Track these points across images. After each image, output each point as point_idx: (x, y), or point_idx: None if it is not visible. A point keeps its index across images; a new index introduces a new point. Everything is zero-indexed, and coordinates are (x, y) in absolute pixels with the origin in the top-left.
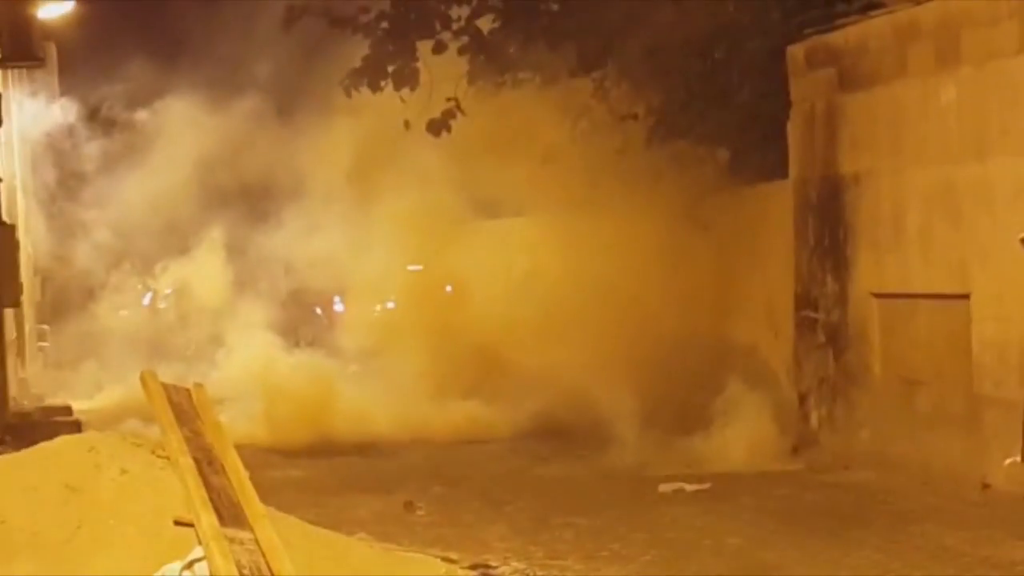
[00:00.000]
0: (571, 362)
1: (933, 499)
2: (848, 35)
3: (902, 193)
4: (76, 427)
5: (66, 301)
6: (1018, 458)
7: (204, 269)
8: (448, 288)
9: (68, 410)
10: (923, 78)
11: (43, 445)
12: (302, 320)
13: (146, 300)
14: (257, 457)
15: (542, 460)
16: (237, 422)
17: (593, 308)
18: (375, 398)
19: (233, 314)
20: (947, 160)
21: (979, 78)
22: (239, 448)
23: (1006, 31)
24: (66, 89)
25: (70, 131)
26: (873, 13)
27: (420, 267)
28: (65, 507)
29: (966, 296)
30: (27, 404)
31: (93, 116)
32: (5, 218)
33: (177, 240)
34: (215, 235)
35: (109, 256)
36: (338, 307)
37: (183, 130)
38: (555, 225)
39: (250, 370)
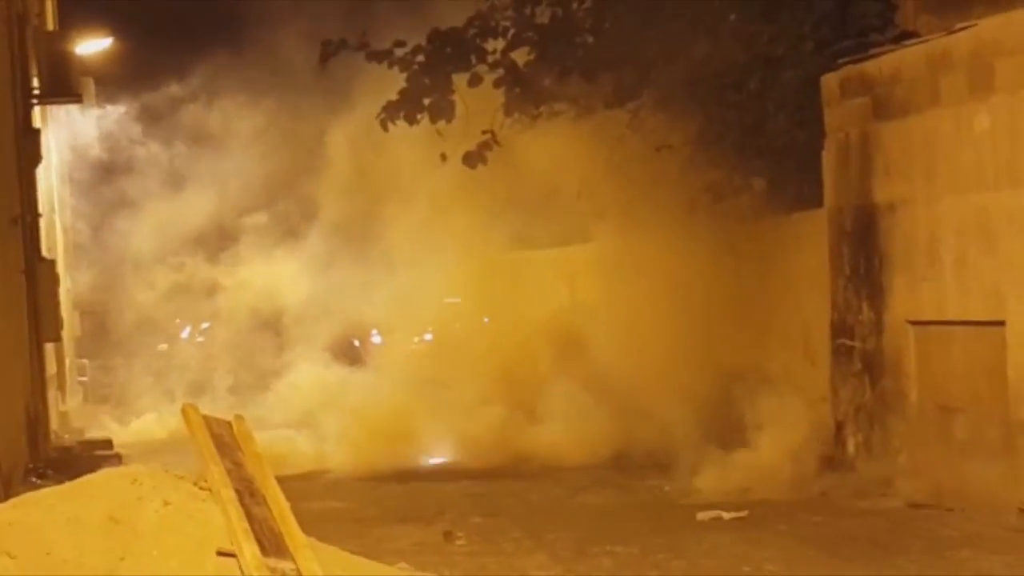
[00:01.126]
0: (609, 393)
1: (971, 525)
2: (882, 64)
3: (937, 221)
4: (117, 460)
5: (106, 335)
6: None
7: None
8: (485, 320)
9: (109, 443)
10: (957, 107)
11: (86, 478)
12: (340, 351)
13: (184, 334)
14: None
15: (581, 489)
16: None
17: (631, 337)
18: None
19: (271, 346)
20: (981, 188)
21: (1013, 106)
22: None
23: None
24: (104, 122)
25: (109, 165)
26: (907, 43)
27: (457, 299)
28: (109, 538)
29: (1001, 323)
30: (68, 438)
31: (132, 148)
32: (45, 253)
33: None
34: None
35: (147, 290)
36: (376, 339)
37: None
38: (592, 255)
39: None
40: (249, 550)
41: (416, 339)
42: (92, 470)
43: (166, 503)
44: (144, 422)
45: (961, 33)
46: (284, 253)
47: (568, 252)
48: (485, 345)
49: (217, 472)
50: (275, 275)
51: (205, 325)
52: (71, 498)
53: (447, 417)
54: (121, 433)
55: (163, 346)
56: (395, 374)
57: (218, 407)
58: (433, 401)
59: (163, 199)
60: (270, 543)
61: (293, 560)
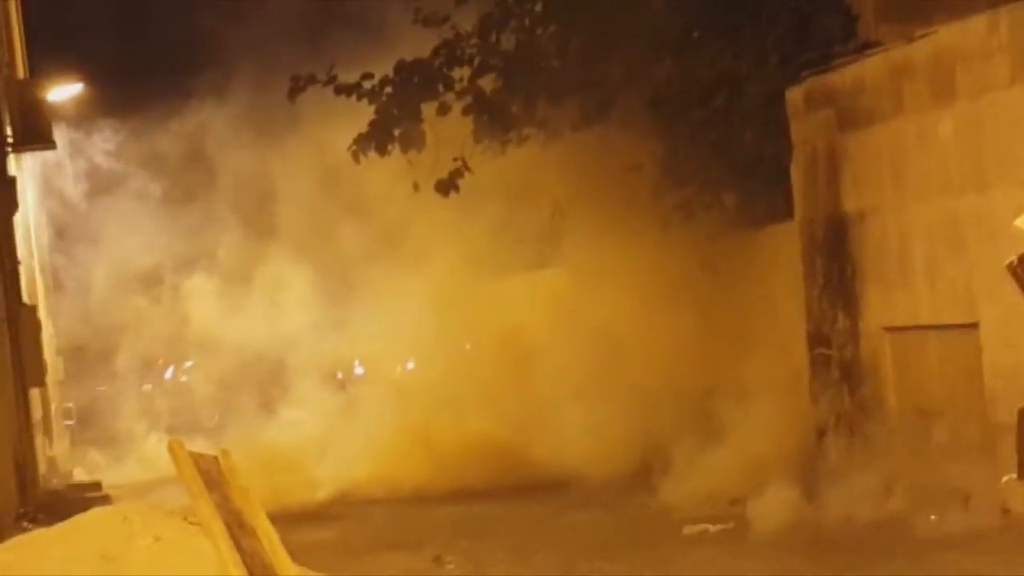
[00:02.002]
0: (589, 412)
1: (954, 527)
2: (845, 75)
3: (906, 228)
4: (107, 502)
5: (90, 378)
6: (1015, 475)
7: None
8: (467, 346)
9: (98, 486)
10: (920, 114)
11: (77, 517)
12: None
13: (168, 374)
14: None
15: (567, 508)
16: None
17: (609, 358)
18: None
19: (256, 383)
20: (948, 193)
21: (975, 111)
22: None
23: (998, 64)
24: (77, 166)
25: (84, 210)
26: (868, 52)
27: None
28: None
29: (975, 325)
30: (56, 482)
31: (105, 190)
32: (26, 299)
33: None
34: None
35: (128, 330)
36: (358, 371)
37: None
38: (566, 278)
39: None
40: None
41: (399, 368)
42: (82, 512)
43: (157, 538)
44: (132, 462)
45: (921, 41)
46: (260, 288)
47: (544, 275)
48: (466, 369)
49: (206, 506)
50: (253, 313)
51: (188, 364)
52: (63, 539)
53: (436, 439)
54: (109, 474)
55: (147, 386)
56: (379, 403)
57: (212, 443)
58: (418, 425)
59: (139, 236)
60: (261, 574)
61: None
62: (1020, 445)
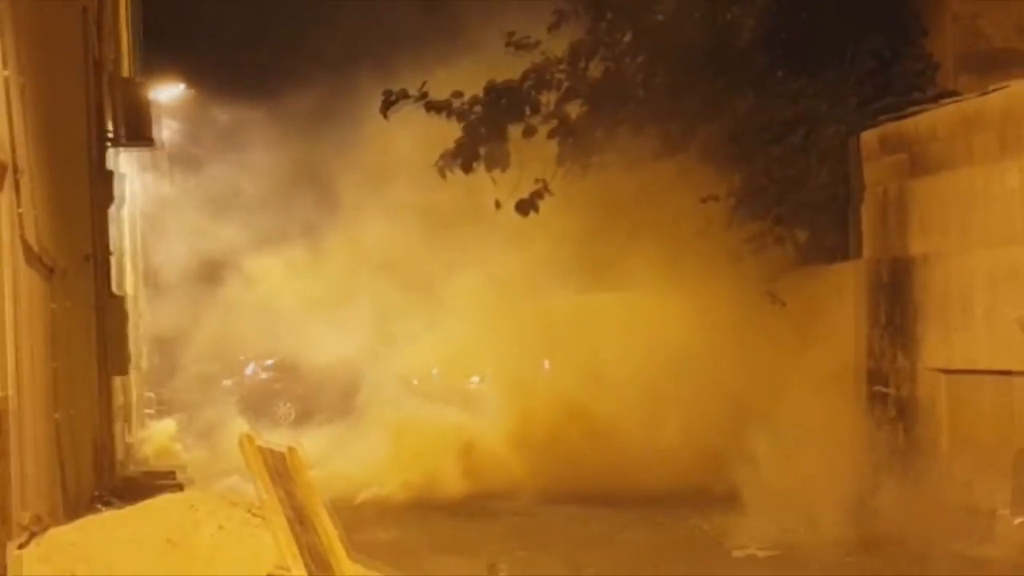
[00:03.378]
0: (657, 434)
1: (994, 565)
2: (919, 123)
3: (969, 273)
4: (178, 489)
5: (176, 369)
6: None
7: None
8: (546, 364)
9: (172, 475)
10: (988, 164)
11: (146, 502)
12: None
13: (249, 370)
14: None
15: (624, 526)
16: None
17: (678, 381)
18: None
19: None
20: (1011, 242)
21: None
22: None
23: None
24: (177, 165)
25: (180, 206)
26: (943, 101)
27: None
28: (165, 559)
29: None
30: (133, 468)
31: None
32: (115, 290)
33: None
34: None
35: (212, 325)
36: (435, 374)
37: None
38: (641, 303)
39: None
40: (298, 573)
41: (474, 379)
42: (153, 497)
43: (221, 527)
44: (206, 451)
45: (994, 94)
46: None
47: (619, 297)
48: (545, 386)
49: (270, 499)
50: (340, 317)
51: (269, 362)
52: (131, 522)
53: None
54: (184, 462)
55: (227, 382)
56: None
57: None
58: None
59: (230, 234)
60: (318, 567)
61: None
62: (1017, 484)
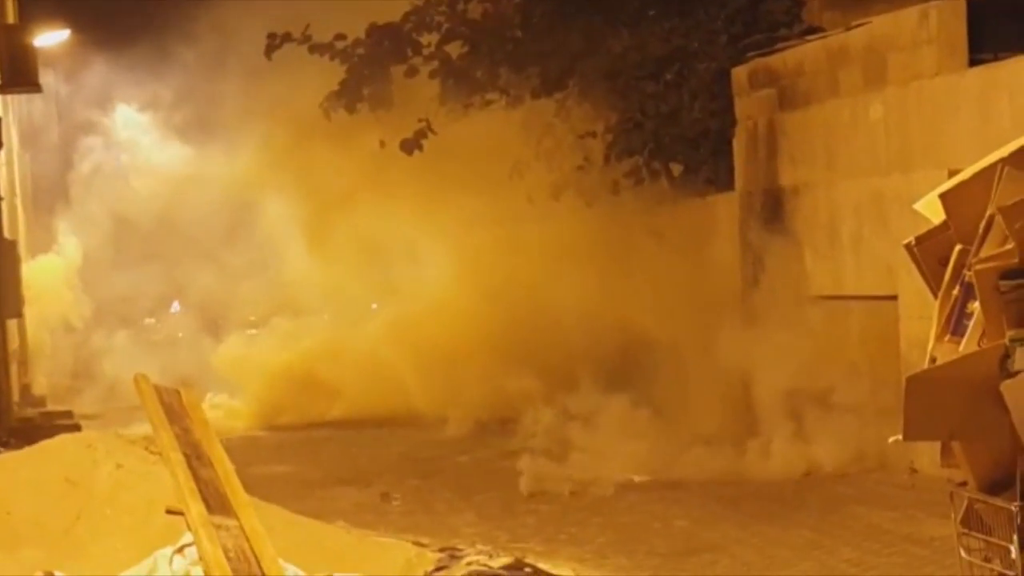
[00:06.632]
0: (541, 361)
1: (866, 484)
2: (786, 58)
3: (836, 203)
4: (75, 430)
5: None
6: (900, 436)
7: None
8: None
9: (69, 415)
10: (853, 97)
11: (44, 443)
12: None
13: (174, 308)
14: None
15: (510, 454)
16: None
17: (556, 311)
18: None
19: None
20: (876, 173)
21: (903, 97)
22: None
23: (926, 54)
24: (62, 108)
25: (65, 148)
26: (809, 38)
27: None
28: (65, 499)
29: (894, 297)
30: (30, 410)
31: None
32: (7, 234)
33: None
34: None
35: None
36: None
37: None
38: (521, 236)
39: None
40: (196, 509)
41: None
42: (51, 438)
43: (119, 466)
44: (105, 392)
45: (857, 29)
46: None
47: (500, 233)
48: (429, 315)
49: (166, 437)
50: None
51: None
52: (30, 462)
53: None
54: (82, 404)
55: (150, 320)
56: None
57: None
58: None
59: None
60: (215, 502)
61: (236, 518)
62: (906, 409)
